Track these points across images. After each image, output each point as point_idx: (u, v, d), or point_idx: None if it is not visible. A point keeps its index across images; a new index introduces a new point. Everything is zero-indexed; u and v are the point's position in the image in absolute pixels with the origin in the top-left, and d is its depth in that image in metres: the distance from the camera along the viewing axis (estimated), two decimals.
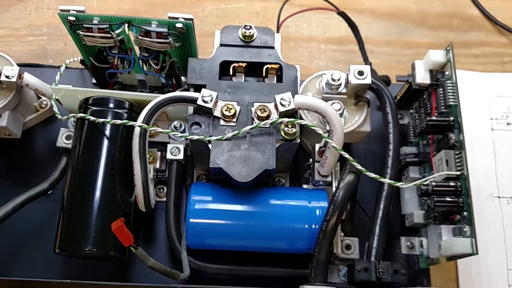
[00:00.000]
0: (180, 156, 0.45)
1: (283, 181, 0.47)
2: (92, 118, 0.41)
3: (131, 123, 0.39)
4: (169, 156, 0.44)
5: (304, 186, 0.45)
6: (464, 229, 0.39)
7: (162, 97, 0.39)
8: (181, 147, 0.45)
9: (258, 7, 0.61)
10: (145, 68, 0.46)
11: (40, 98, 0.49)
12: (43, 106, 0.49)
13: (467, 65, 0.58)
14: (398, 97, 0.49)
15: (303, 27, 0.61)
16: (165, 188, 0.47)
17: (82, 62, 0.49)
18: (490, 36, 0.61)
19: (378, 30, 0.61)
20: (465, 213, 0.39)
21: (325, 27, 0.61)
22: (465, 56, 0.59)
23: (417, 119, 0.48)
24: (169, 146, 0.45)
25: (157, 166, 0.46)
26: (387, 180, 0.40)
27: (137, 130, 0.39)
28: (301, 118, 0.42)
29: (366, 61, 0.52)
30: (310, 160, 0.43)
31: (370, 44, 0.58)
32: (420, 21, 0.61)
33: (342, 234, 0.42)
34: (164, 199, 0.46)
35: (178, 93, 0.40)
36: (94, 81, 0.51)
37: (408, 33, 0.61)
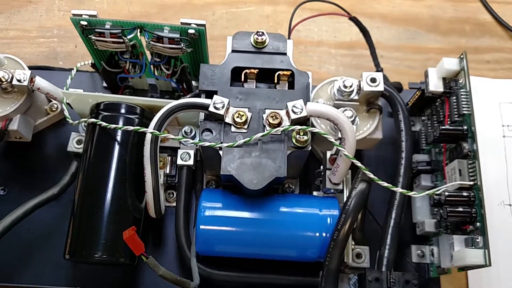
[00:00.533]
0: (191, 161, 0.44)
1: (293, 187, 0.47)
2: (104, 123, 0.41)
3: (143, 129, 0.39)
4: (179, 161, 0.44)
5: (314, 193, 0.45)
6: (477, 240, 0.39)
7: (173, 103, 0.39)
8: (192, 152, 0.45)
9: (269, 11, 0.61)
10: (156, 73, 0.46)
11: (50, 101, 0.49)
12: (53, 109, 0.49)
13: (478, 71, 0.58)
14: (410, 104, 0.49)
15: (313, 31, 0.60)
16: (174, 193, 0.47)
17: (93, 65, 0.49)
18: (502, 41, 0.60)
19: (388, 35, 0.60)
20: (478, 223, 0.39)
21: (336, 31, 0.60)
22: (476, 62, 0.59)
23: (429, 126, 0.47)
24: (180, 152, 0.45)
25: (167, 171, 0.45)
26: (399, 189, 0.39)
27: (148, 137, 0.39)
28: (312, 125, 0.42)
29: (377, 67, 0.51)
30: (321, 167, 0.43)
31: (381, 49, 0.57)
32: (431, 26, 0.61)
33: (353, 242, 0.41)
34: (173, 204, 0.46)
35: (189, 100, 0.40)
36: (105, 84, 0.51)
37: (419, 38, 0.60)
